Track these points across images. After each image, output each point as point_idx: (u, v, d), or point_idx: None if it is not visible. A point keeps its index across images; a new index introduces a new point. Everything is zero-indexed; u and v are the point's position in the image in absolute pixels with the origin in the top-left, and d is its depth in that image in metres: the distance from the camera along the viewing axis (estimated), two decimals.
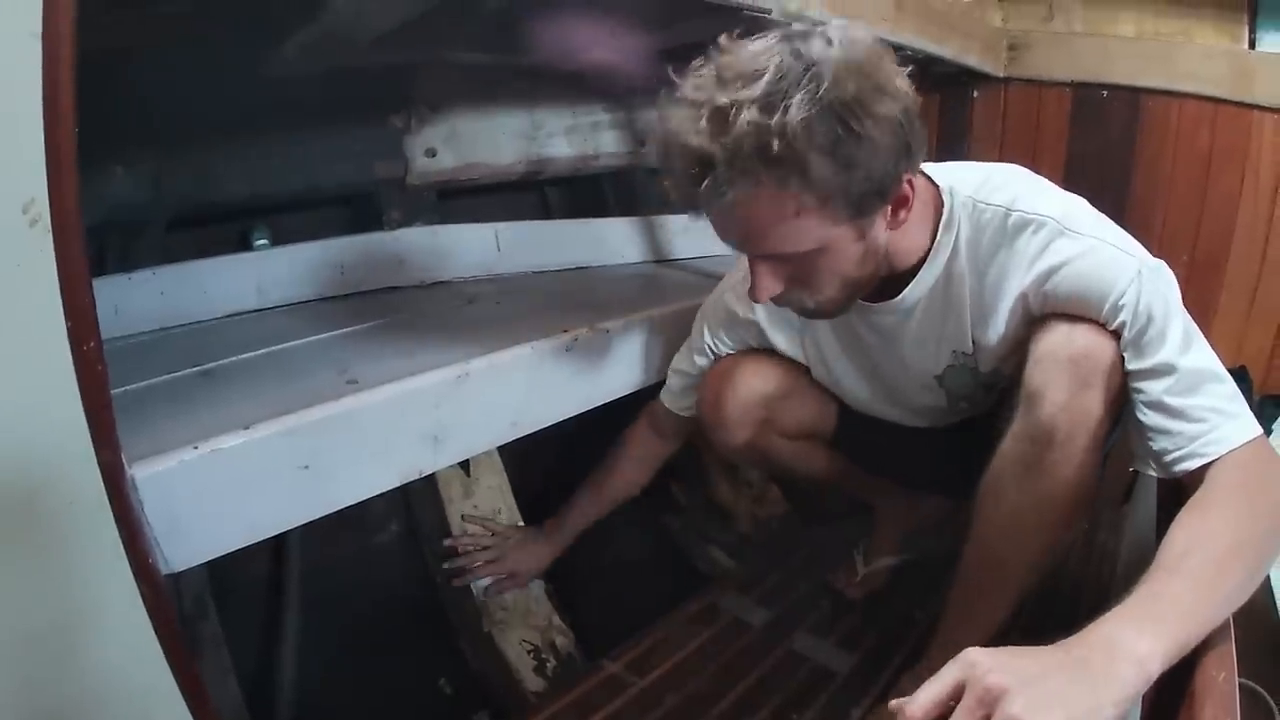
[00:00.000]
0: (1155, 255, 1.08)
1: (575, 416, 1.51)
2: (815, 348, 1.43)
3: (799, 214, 0.98)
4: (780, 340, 1.44)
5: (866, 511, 1.77)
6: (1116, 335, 1.05)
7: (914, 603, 1.64)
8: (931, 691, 0.75)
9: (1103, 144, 2.54)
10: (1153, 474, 1.07)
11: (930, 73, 2.72)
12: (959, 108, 2.84)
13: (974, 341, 1.23)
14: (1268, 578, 1.11)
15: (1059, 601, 1.64)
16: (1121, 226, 1.10)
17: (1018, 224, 1.12)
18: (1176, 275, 1.07)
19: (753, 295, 1.09)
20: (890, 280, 1.20)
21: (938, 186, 1.18)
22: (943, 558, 1.30)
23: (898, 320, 1.26)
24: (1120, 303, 1.03)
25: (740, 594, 1.76)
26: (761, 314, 1.42)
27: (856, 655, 1.55)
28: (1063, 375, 1.06)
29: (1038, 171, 1.20)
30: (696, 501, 2.18)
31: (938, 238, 1.17)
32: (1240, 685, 0.83)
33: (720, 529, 2.13)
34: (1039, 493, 1.10)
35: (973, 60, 2.55)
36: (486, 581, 1.74)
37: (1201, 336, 1.06)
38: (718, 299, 1.49)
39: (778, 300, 1.12)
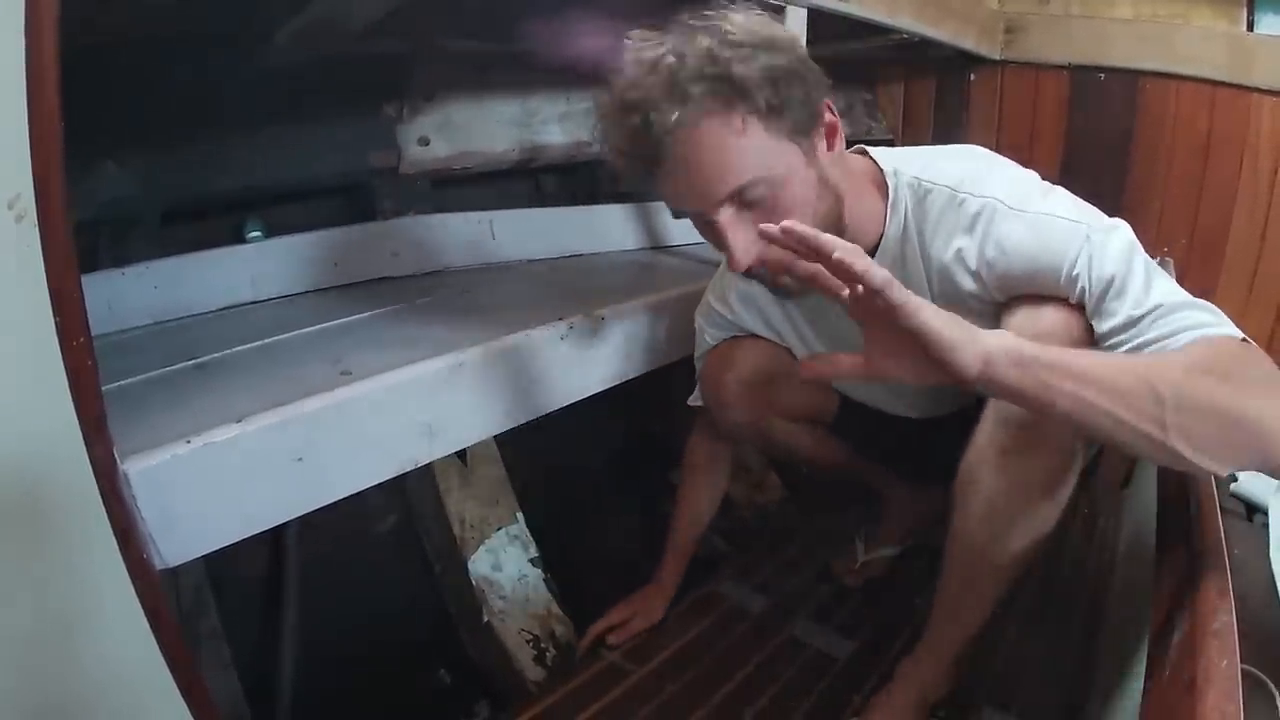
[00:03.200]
0: (1154, 239, 1.07)
1: (572, 404, 1.50)
2: (793, 333, 1.44)
3: (745, 131, 1.00)
4: (754, 326, 1.47)
5: (866, 499, 1.77)
6: (1081, 306, 1.04)
7: (914, 589, 1.64)
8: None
9: (1100, 127, 2.53)
10: None
11: (927, 56, 2.72)
12: (956, 91, 2.83)
13: None
14: (1268, 560, 1.11)
15: (1059, 586, 1.64)
16: (1119, 210, 1.09)
17: (963, 206, 1.11)
18: (1175, 258, 1.07)
19: (733, 265, 1.06)
20: None
21: (881, 170, 1.18)
22: (944, 545, 1.30)
23: None
24: (1074, 273, 1.02)
25: (739, 581, 1.76)
26: (735, 304, 1.45)
27: (856, 642, 1.55)
28: None
29: (1035, 155, 1.20)
30: None
31: (887, 219, 1.17)
32: (1243, 671, 0.83)
33: (719, 516, 2.13)
34: (1014, 478, 1.09)
35: (969, 43, 2.54)
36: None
37: (1167, 279, 1.02)
38: (704, 300, 1.52)
39: (758, 265, 1.08)
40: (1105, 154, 2.47)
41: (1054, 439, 1.06)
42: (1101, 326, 1.02)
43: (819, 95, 1.05)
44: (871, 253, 1.18)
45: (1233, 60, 2.31)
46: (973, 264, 1.11)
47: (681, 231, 2.27)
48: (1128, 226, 1.06)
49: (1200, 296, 1.00)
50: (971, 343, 0.85)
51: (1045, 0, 2.64)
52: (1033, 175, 1.14)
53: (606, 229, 2.25)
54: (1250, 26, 2.32)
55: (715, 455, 1.68)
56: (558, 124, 2.20)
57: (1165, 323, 0.96)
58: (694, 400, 1.59)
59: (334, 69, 1.64)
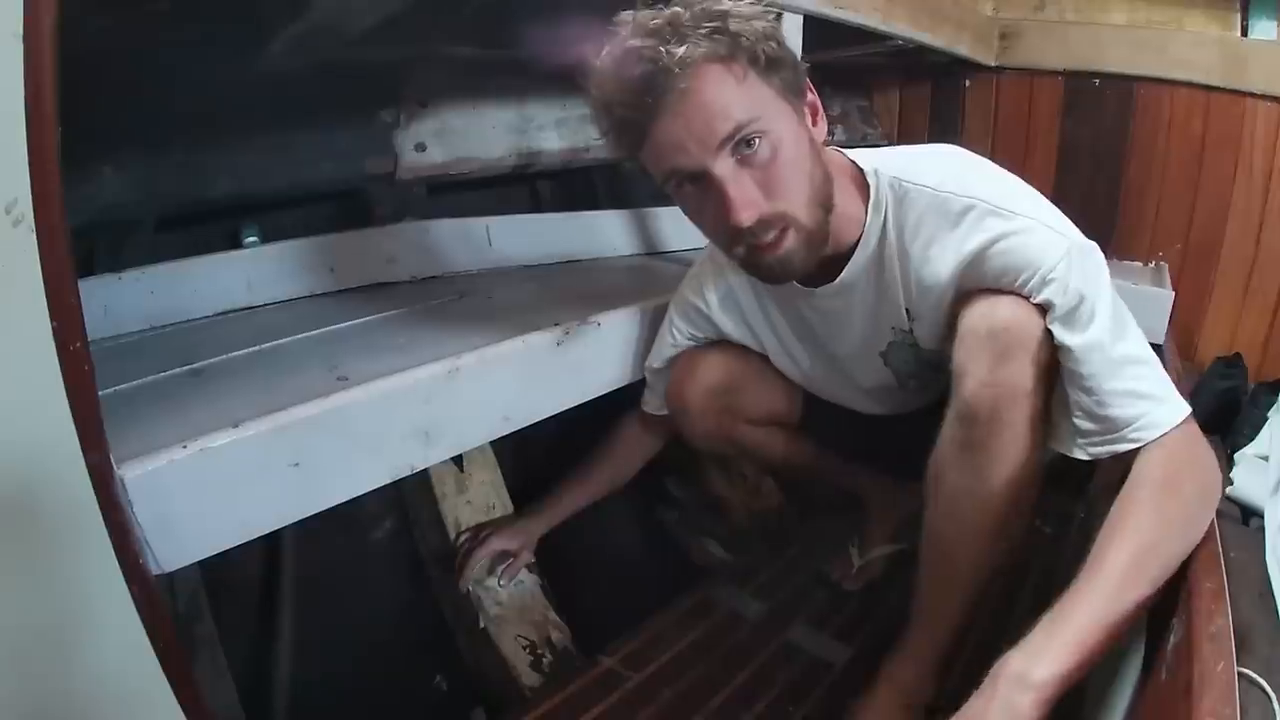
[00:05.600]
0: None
1: (568, 410, 1.50)
2: (770, 334, 1.45)
3: (746, 79, 1.02)
4: (729, 326, 1.47)
5: (860, 503, 1.77)
6: (1043, 311, 1.04)
7: (910, 593, 1.64)
8: None
9: (1095, 132, 2.54)
10: (1078, 456, 1.08)
11: (922, 63, 2.72)
12: (951, 97, 2.84)
13: (911, 319, 1.24)
14: (1264, 563, 1.11)
15: (1055, 589, 1.64)
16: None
17: (946, 205, 1.12)
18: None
19: (734, 218, 1.05)
20: (831, 264, 1.21)
21: (862, 170, 1.19)
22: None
23: (837, 302, 1.27)
24: (1049, 277, 1.03)
25: (736, 587, 1.76)
26: (714, 301, 1.46)
27: (853, 647, 1.55)
28: (984, 350, 1.05)
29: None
30: (691, 495, 2.18)
31: (867, 219, 1.18)
32: (1239, 674, 0.83)
33: (715, 522, 2.13)
34: (974, 473, 1.10)
35: (964, 50, 2.55)
36: (492, 579, 1.74)
37: (1131, 319, 1.07)
38: (678, 293, 1.53)
39: (758, 229, 1.07)
40: (1100, 159, 2.48)
41: (1008, 431, 1.07)
42: (1063, 339, 1.03)
43: (803, 72, 1.11)
44: (849, 254, 1.21)
45: (1226, 65, 2.32)
46: (951, 263, 1.12)
47: (677, 237, 2.27)
48: (1099, 251, 1.08)
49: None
50: (1000, 694, 0.91)
51: (1040, 6, 2.65)
52: (1014, 178, 1.16)
53: (602, 235, 2.25)
54: (1244, 32, 2.33)
55: (637, 453, 1.76)
56: (554, 130, 2.20)
57: (1125, 382, 1.03)
58: (654, 409, 1.63)
59: (330, 75, 1.64)
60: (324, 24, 1.37)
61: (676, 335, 1.52)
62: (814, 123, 1.13)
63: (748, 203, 1.04)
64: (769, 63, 1.04)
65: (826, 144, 1.17)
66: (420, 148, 1.96)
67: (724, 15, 1.02)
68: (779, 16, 1.71)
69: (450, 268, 1.95)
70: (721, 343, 1.51)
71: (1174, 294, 2.17)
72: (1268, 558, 1.12)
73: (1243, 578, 1.07)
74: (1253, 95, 2.28)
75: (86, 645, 0.84)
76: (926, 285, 1.17)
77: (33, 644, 0.80)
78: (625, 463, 1.77)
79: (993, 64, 2.70)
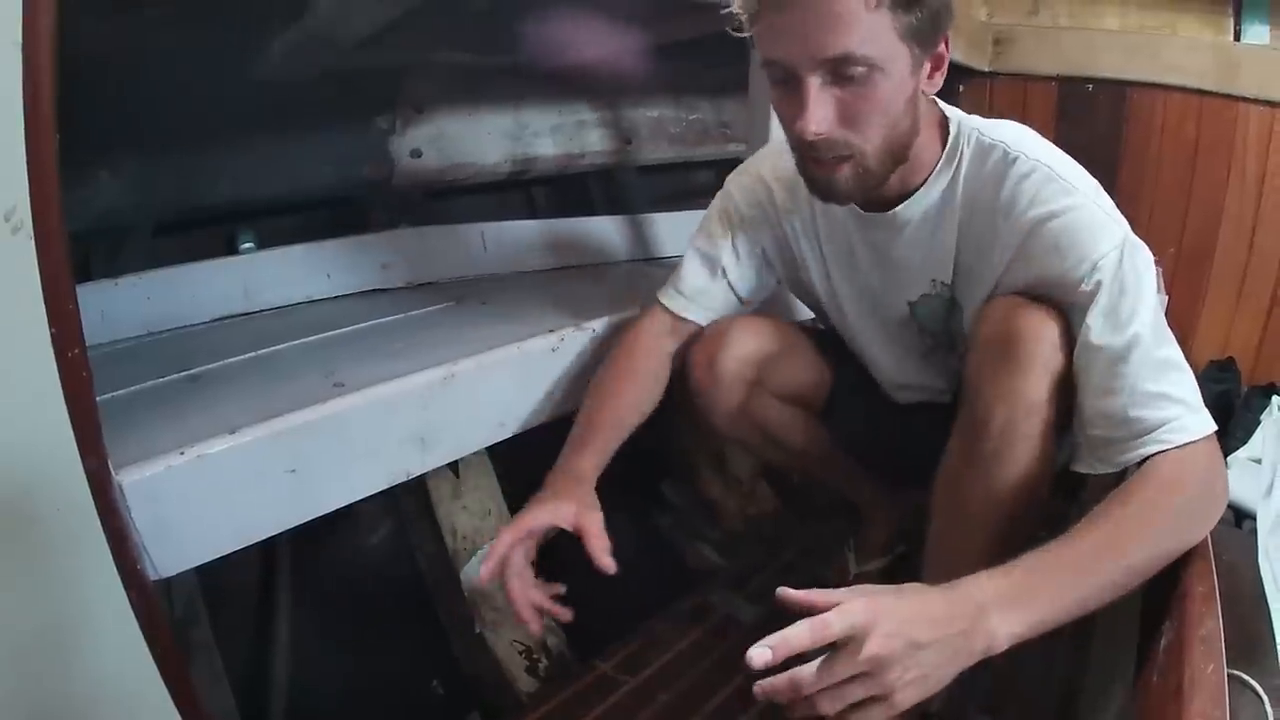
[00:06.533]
0: None
1: (564, 416, 1.50)
2: (814, 257, 1.40)
3: (878, 7, 0.96)
4: (775, 215, 1.40)
5: (857, 509, 1.77)
6: (1087, 300, 1.03)
7: None
8: (806, 640, 0.78)
9: (1089, 137, 2.54)
10: (1099, 471, 1.05)
11: None
12: (946, 103, 2.84)
13: (956, 274, 1.23)
14: (1257, 565, 1.12)
15: None
16: None
17: (1018, 166, 1.10)
18: (1164, 267, 1.07)
19: (801, 127, 1.02)
20: (892, 197, 1.19)
21: (948, 117, 1.17)
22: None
23: (888, 236, 1.24)
24: (1100, 263, 1.02)
25: (731, 591, 1.76)
26: (777, 188, 1.38)
27: None
28: (998, 361, 1.05)
29: None
30: (686, 499, 2.18)
31: (939, 164, 1.16)
32: (1230, 676, 0.84)
33: (710, 526, 2.13)
34: (984, 485, 1.09)
35: (958, 55, 2.55)
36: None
37: (1168, 330, 1.05)
38: (746, 166, 1.45)
39: (821, 145, 1.05)
40: (1093, 163, 2.41)
41: (1019, 444, 1.06)
42: (1101, 337, 1.01)
43: (947, 21, 1.04)
44: (912, 192, 1.18)
45: (1220, 70, 2.32)
46: (1010, 228, 1.11)
47: (672, 243, 2.27)
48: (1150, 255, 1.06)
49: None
50: (969, 656, 0.86)
51: (1034, 12, 2.65)
52: (1083, 169, 1.14)
53: (597, 240, 2.25)
54: (1237, 36, 2.33)
55: (660, 359, 1.47)
56: (549, 136, 2.21)
57: (1159, 384, 0.99)
58: (680, 308, 1.46)
59: (327, 82, 1.64)
60: (322, 31, 1.38)
61: (730, 208, 1.43)
62: (930, 75, 1.07)
63: (820, 119, 1.02)
64: (910, 4, 0.97)
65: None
66: (416, 154, 1.96)
67: None
68: None
69: (446, 273, 1.95)
70: (750, 315, 1.47)
71: (1168, 298, 2.18)
72: (1260, 560, 1.13)
73: (1236, 579, 1.08)
74: (1245, 100, 2.28)
75: (85, 650, 0.84)
76: (981, 240, 1.16)
77: (32, 648, 0.80)
78: (655, 380, 1.46)
79: (987, 69, 2.70)
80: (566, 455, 1.33)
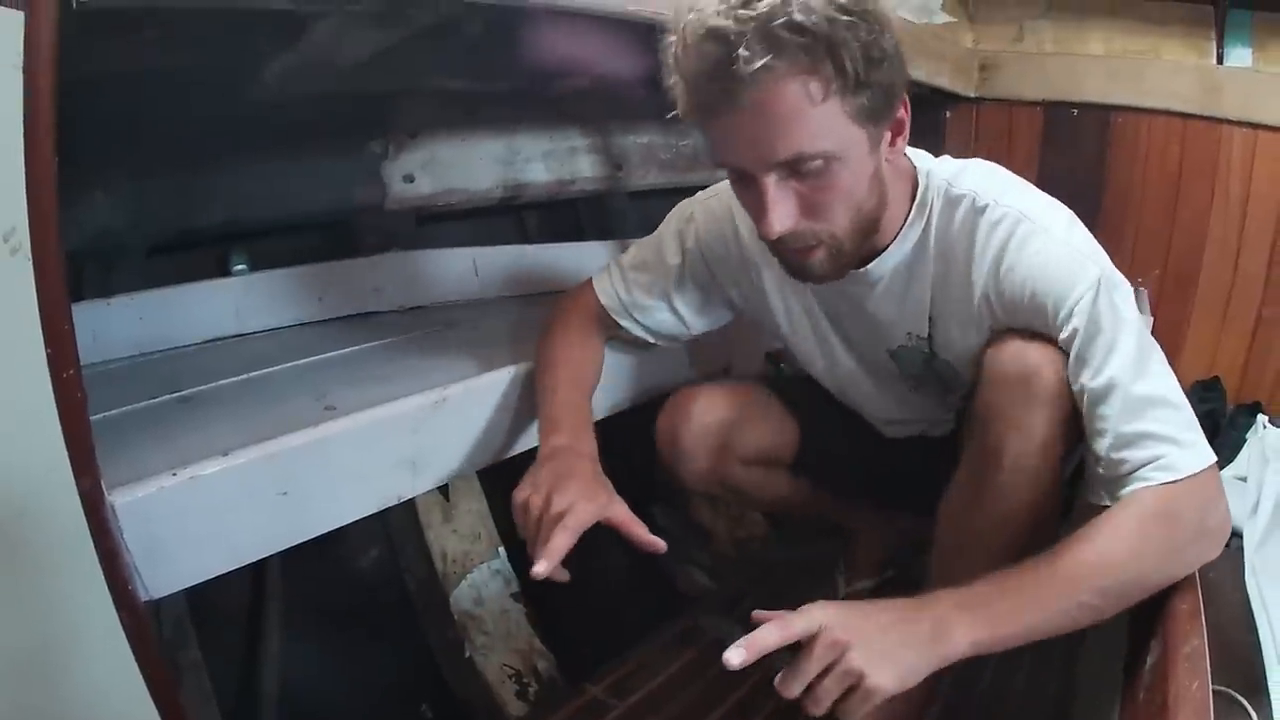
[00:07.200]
0: (1128, 271, 1.07)
1: None
2: (781, 305, 1.37)
3: (825, 100, 0.93)
4: (734, 268, 1.37)
5: (845, 531, 1.77)
6: (1067, 345, 1.03)
7: None
8: (774, 638, 0.92)
9: (1074, 161, 2.57)
10: (1104, 503, 1.03)
11: None
12: (932, 128, 2.86)
13: (932, 326, 1.22)
14: (1243, 582, 1.13)
15: None
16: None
17: (988, 214, 1.09)
18: (1150, 289, 1.08)
19: (765, 228, 1.01)
20: (864, 254, 1.16)
21: (915, 168, 1.16)
22: (925, 576, 1.30)
23: (861, 291, 1.22)
24: (1075, 308, 1.01)
25: (721, 615, 1.76)
26: (747, 236, 1.32)
27: None
28: (1011, 395, 1.05)
29: None
30: (676, 523, 2.18)
31: (910, 217, 1.15)
32: (1217, 692, 0.84)
33: (700, 550, 2.13)
34: (990, 517, 1.09)
35: (944, 81, 2.58)
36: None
37: (1160, 359, 1.04)
38: (717, 193, 1.36)
39: (788, 237, 1.03)
40: (1079, 187, 2.49)
41: (1027, 479, 1.06)
42: (1079, 380, 1.02)
43: (900, 87, 1.01)
44: (882, 249, 1.16)
45: (1203, 93, 2.35)
46: (983, 275, 1.10)
47: None
48: (1130, 287, 1.07)
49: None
50: (931, 650, 0.92)
51: (1019, 38, 2.68)
52: (1060, 204, 1.14)
53: (588, 266, 2.23)
54: (1220, 59, 2.36)
55: (599, 341, 1.45)
56: (541, 162, 2.22)
57: (1144, 424, 0.99)
58: (609, 299, 1.43)
59: (320, 106, 1.65)
60: (316, 55, 1.39)
61: (687, 240, 1.37)
62: (892, 143, 1.05)
63: (782, 216, 1.00)
64: (858, 83, 0.93)
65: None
66: (409, 179, 1.97)
67: (829, 23, 0.90)
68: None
69: (437, 298, 1.96)
70: (714, 382, 1.49)
71: (1153, 319, 2.19)
72: (1246, 577, 1.14)
73: (1223, 597, 1.08)
74: (1229, 122, 2.31)
75: (75, 670, 0.84)
76: (955, 292, 1.15)
77: (22, 668, 0.80)
78: (599, 352, 1.45)
79: (973, 95, 2.73)
80: (563, 437, 1.23)
